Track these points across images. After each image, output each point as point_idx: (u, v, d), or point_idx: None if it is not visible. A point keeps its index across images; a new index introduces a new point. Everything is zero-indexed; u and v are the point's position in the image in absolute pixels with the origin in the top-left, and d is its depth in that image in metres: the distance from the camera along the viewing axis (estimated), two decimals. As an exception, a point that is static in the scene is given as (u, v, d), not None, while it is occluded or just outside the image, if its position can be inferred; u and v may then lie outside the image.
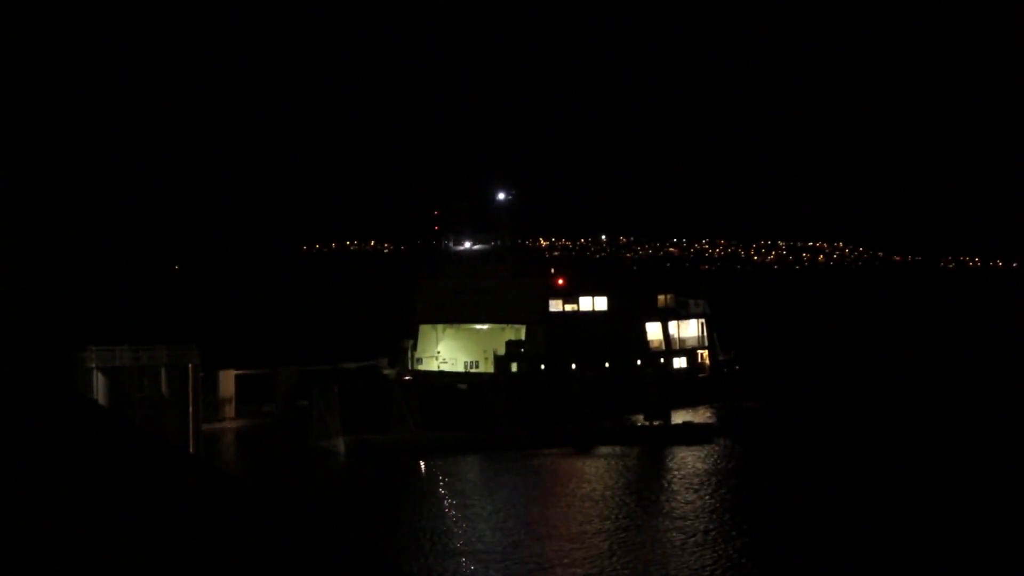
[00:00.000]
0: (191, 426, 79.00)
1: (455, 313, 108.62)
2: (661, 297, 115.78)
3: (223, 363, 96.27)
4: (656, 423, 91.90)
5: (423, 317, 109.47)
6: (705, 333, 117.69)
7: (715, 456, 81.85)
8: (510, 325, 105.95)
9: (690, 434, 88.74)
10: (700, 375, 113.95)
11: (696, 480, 72.60)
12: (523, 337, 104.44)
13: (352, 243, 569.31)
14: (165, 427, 76.78)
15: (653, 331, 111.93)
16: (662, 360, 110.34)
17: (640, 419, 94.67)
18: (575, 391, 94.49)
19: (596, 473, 75.89)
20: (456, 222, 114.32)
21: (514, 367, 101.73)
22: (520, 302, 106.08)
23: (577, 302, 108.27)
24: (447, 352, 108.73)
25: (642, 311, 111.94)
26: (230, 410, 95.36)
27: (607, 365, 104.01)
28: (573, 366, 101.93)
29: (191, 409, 79.33)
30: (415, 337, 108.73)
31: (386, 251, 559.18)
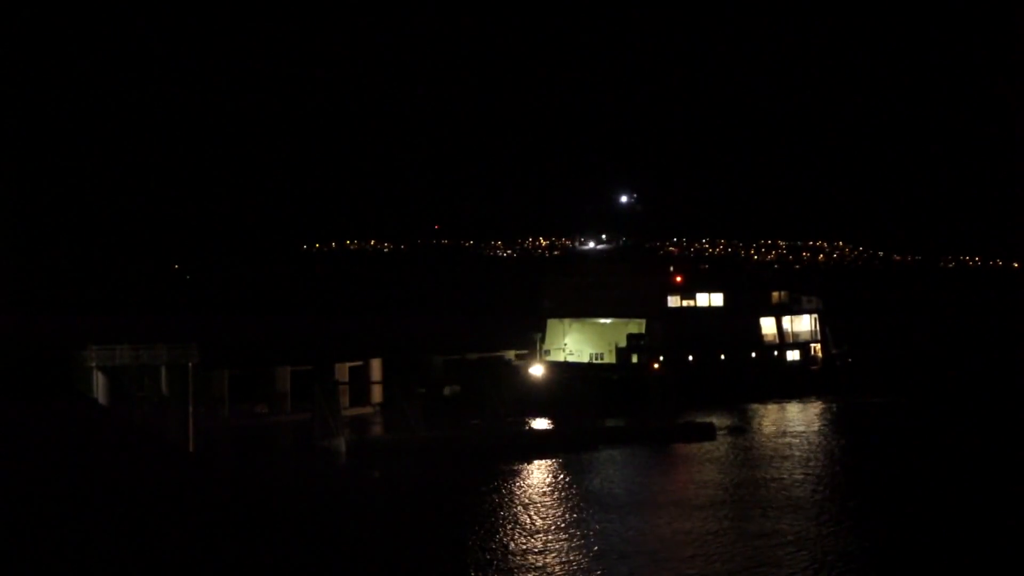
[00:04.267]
0: (191, 425, 78.87)
1: (580, 308, 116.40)
2: (775, 294, 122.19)
3: (222, 362, 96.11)
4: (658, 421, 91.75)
5: (551, 312, 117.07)
6: (817, 328, 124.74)
7: (721, 452, 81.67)
8: (631, 319, 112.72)
9: (693, 432, 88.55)
10: (812, 368, 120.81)
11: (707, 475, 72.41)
12: (643, 331, 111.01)
13: (352, 243, 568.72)
14: (165, 426, 76.69)
15: (767, 326, 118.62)
16: (776, 353, 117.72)
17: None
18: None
19: (598, 473, 75.50)
20: (583, 224, 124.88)
21: (634, 359, 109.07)
22: (641, 298, 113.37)
23: (694, 298, 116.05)
24: (573, 344, 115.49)
25: (757, 307, 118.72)
26: (224, 409, 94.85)
27: (722, 357, 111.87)
28: (690, 358, 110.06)
29: (191, 408, 79.22)
30: (543, 330, 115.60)
31: (386, 251, 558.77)
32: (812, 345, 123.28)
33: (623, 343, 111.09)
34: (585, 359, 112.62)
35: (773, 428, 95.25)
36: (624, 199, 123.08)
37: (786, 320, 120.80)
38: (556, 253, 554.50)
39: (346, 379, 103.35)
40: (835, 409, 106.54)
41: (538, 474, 74.45)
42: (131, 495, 24.57)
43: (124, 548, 19.35)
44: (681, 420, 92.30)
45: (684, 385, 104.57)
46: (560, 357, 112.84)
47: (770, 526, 57.82)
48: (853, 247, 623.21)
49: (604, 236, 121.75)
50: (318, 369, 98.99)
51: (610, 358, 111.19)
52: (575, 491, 68.05)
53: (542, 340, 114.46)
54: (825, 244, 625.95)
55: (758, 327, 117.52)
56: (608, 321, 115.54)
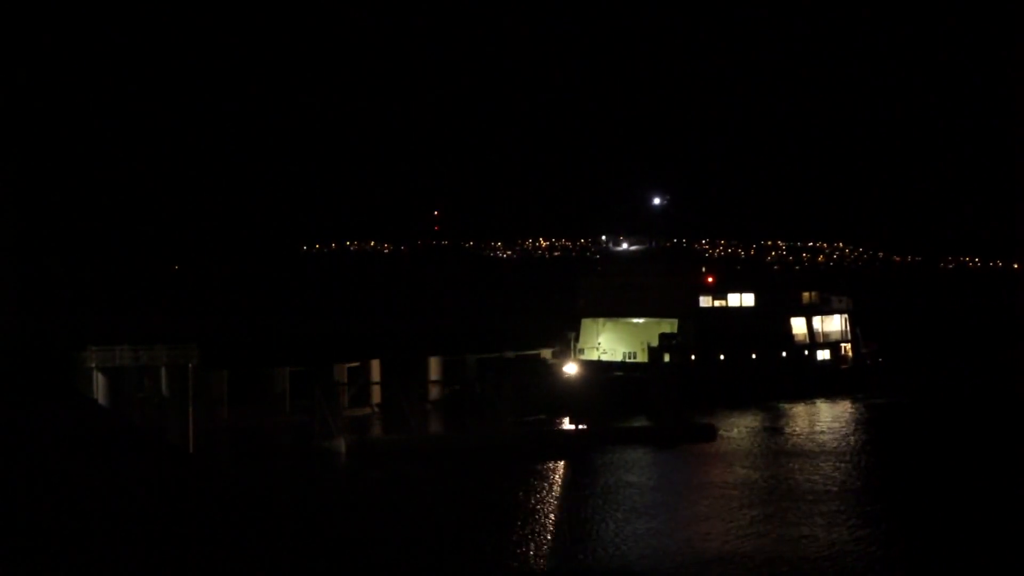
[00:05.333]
0: (191, 425, 78.81)
1: (614, 308, 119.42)
2: (806, 294, 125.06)
3: (221, 363, 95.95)
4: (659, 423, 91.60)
5: (585, 311, 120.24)
6: (848, 327, 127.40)
7: (722, 453, 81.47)
8: (664, 319, 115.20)
9: (694, 432, 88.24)
10: (843, 367, 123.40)
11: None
12: (676, 330, 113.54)
13: (352, 243, 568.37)
14: (165, 427, 76.64)
15: (798, 326, 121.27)
16: (806, 353, 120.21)
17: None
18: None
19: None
20: (615, 225, 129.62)
21: (667, 358, 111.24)
22: (673, 298, 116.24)
23: (726, 298, 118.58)
24: (607, 343, 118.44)
25: (788, 307, 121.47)
26: (223, 410, 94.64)
27: (753, 356, 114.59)
28: (721, 357, 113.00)
29: (191, 408, 79.17)
30: (577, 329, 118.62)
31: (386, 251, 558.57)
32: (842, 345, 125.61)
33: (656, 342, 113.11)
34: (619, 358, 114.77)
35: (805, 426, 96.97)
36: (657, 201, 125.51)
37: (816, 320, 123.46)
38: (556, 254, 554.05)
39: (345, 380, 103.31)
40: (864, 408, 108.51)
41: (531, 476, 74.28)
42: (130, 496, 24.48)
43: (123, 550, 19.29)
44: (682, 421, 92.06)
45: (715, 384, 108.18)
46: (594, 356, 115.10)
47: (789, 525, 57.75)
48: (853, 247, 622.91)
49: (645, 236, 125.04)
50: (317, 370, 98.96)
51: (643, 357, 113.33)
52: (571, 494, 67.90)
53: (576, 339, 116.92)
54: (825, 244, 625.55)
55: (789, 327, 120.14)
56: (641, 321, 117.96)
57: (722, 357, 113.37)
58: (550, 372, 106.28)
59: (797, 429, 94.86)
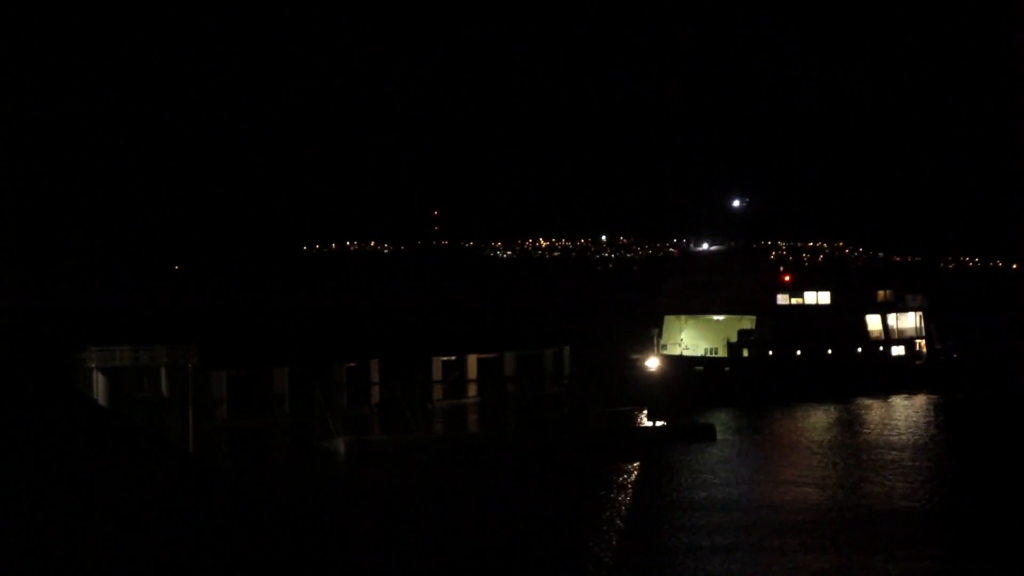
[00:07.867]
0: (191, 425, 78.79)
1: (696, 305, 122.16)
2: (880, 292, 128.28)
3: (221, 363, 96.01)
4: (659, 423, 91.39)
5: (668, 309, 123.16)
6: (922, 325, 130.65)
7: (721, 453, 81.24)
8: (743, 316, 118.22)
9: (694, 433, 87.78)
10: (917, 363, 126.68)
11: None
12: (754, 327, 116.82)
13: (352, 243, 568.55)
14: (165, 427, 76.62)
15: (873, 323, 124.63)
16: (881, 349, 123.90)
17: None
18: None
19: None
20: (696, 226, 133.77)
21: (745, 353, 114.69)
22: (751, 296, 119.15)
23: (802, 296, 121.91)
24: (689, 340, 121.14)
25: (863, 304, 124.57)
26: (223, 410, 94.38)
27: (829, 352, 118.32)
28: (798, 352, 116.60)
29: (190, 409, 79.14)
30: (660, 326, 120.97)
31: (386, 251, 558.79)
32: (917, 341, 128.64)
33: (735, 339, 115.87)
34: (700, 353, 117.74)
35: (878, 420, 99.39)
36: (736, 203, 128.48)
37: (891, 317, 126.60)
38: (556, 254, 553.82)
39: (344, 380, 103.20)
40: (936, 403, 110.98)
41: (523, 478, 74.12)
42: (130, 497, 24.50)
43: (123, 550, 19.31)
44: (682, 421, 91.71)
45: (791, 379, 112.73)
46: (676, 352, 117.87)
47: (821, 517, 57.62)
48: (853, 247, 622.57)
49: (725, 237, 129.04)
50: (317, 370, 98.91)
51: (723, 353, 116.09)
52: (562, 498, 67.72)
53: (659, 336, 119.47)
54: (825, 244, 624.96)
55: (864, 324, 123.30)
56: (721, 317, 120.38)
57: (798, 353, 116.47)
58: (632, 368, 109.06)
59: (871, 422, 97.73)
